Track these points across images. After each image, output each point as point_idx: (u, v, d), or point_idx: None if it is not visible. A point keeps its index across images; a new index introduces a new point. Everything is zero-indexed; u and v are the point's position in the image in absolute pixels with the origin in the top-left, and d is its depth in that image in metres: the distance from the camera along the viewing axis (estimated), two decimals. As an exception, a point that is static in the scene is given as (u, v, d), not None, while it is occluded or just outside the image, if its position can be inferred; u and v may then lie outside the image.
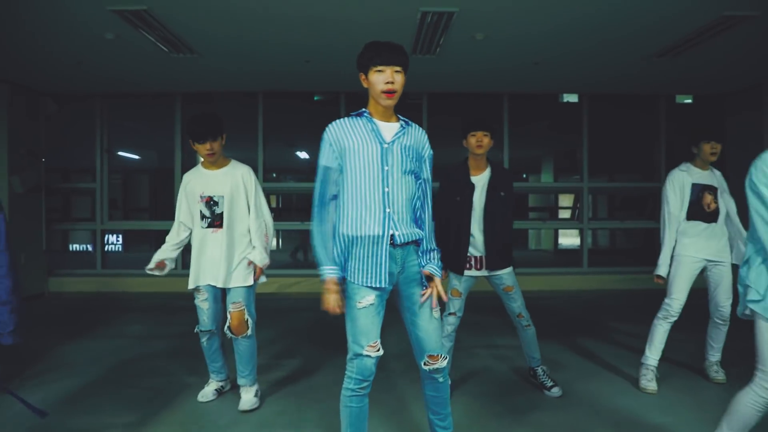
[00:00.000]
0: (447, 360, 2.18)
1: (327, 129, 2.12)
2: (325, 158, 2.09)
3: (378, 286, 2.04)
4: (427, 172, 2.20)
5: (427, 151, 2.21)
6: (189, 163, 6.90)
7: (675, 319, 3.25)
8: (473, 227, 3.02)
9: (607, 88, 6.80)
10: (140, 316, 5.46)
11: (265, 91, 6.96)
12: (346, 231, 2.07)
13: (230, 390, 3.26)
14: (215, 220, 2.97)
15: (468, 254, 3.04)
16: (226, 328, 2.98)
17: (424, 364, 2.13)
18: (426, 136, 2.21)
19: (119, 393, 3.25)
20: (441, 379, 2.17)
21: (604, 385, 3.36)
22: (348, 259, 2.08)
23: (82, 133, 7.25)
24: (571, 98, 7.61)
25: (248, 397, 3.01)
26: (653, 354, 3.28)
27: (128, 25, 4.36)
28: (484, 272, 3.07)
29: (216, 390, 3.19)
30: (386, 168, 2.06)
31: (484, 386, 3.35)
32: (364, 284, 2.05)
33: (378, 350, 2.05)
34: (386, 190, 2.06)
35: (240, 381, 3.04)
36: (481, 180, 3.05)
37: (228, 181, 2.98)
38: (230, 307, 2.96)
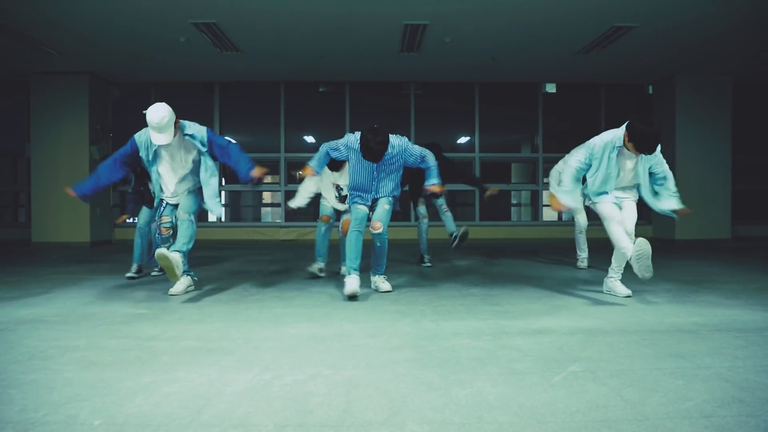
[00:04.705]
0: (383, 230, 3.78)
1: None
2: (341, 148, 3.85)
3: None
4: (413, 156, 3.82)
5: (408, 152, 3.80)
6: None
7: None
8: None
9: (556, 78, 8.60)
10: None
11: (287, 81, 8.75)
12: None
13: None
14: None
15: None
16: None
17: (371, 228, 3.79)
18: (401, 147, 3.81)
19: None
20: (378, 243, 3.84)
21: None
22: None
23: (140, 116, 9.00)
24: (551, 89, 9.25)
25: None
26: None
27: (198, 32, 6.16)
28: None
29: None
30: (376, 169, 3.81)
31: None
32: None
33: (365, 208, 3.78)
34: (374, 175, 3.80)
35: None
36: None
37: None
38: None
